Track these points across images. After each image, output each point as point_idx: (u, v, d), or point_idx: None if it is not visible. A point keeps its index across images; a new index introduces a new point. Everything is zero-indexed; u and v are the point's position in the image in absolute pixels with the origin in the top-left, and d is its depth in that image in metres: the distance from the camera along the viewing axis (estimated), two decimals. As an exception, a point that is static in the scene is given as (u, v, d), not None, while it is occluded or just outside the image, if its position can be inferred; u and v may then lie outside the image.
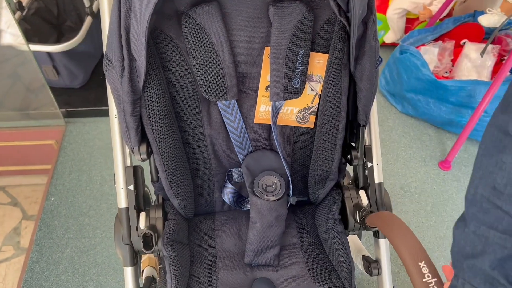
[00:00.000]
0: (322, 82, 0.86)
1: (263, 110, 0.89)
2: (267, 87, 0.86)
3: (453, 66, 2.03)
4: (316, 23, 0.80)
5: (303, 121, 0.91)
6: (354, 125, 0.92)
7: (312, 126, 0.92)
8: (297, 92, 0.84)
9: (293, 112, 0.90)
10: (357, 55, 0.80)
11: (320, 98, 0.87)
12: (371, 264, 0.92)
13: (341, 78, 0.83)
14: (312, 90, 0.87)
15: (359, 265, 1.00)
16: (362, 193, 0.93)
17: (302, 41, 0.78)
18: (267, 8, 0.78)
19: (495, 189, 0.52)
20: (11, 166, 2.11)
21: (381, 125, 2.06)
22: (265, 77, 0.85)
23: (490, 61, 1.89)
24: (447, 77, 2.01)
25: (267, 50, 0.82)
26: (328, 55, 0.82)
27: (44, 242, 1.62)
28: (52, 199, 1.76)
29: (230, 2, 0.76)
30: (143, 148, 0.83)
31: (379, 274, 0.92)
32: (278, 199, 0.92)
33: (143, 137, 0.83)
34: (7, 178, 2.13)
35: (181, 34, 0.78)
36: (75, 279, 1.52)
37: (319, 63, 0.84)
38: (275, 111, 0.88)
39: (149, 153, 0.85)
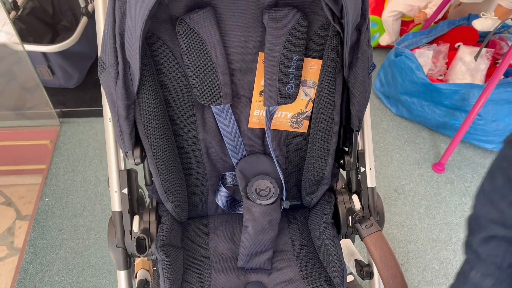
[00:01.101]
0: (315, 88, 0.86)
1: (257, 115, 0.89)
2: (261, 92, 0.86)
3: (447, 69, 2.05)
4: (310, 29, 0.80)
5: (297, 126, 0.92)
6: (348, 130, 0.92)
7: (306, 131, 0.92)
8: (291, 98, 0.84)
9: (287, 117, 0.90)
10: (351, 61, 0.81)
11: (313, 103, 0.88)
12: (363, 268, 0.93)
13: (334, 83, 0.83)
14: (305, 95, 0.87)
15: (351, 268, 1.00)
16: (355, 197, 0.94)
17: (296, 47, 0.79)
18: (262, 14, 0.78)
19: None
20: (6, 166, 2.10)
21: (375, 128, 2.07)
22: (259, 82, 0.85)
23: (484, 64, 1.91)
24: (441, 80, 2.02)
25: (261, 55, 0.82)
26: (321, 60, 0.83)
27: (38, 243, 1.61)
28: (46, 199, 1.76)
29: (224, 8, 0.77)
30: (137, 152, 0.84)
31: (371, 278, 0.92)
32: (272, 204, 0.92)
33: (137, 141, 0.84)
34: (2, 177, 2.12)
35: (176, 39, 0.78)
36: (68, 280, 1.52)
37: (313, 68, 0.84)
38: (269, 116, 0.88)
39: (143, 157, 0.85)
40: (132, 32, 0.69)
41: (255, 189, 0.93)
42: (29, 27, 2.05)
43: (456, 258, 1.61)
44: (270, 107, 0.87)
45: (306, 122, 0.91)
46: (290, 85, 0.82)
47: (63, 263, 1.56)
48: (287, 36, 0.78)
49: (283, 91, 0.83)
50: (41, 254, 1.58)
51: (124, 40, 0.72)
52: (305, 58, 0.82)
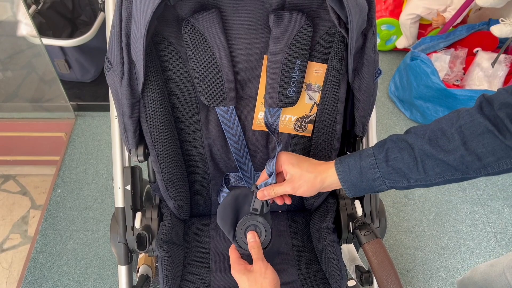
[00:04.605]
0: (320, 92, 0.86)
1: (261, 117, 0.90)
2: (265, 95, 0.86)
3: (464, 74, 2.01)
4: (316, 33, 0.80)
5: (301, 129, 0.92)
6: (352, 135, 0.92)
7: (310, 135, 0.92)
8: (291, 101, 0.84)
9: (291, 120, 0.90)
10: (356, 66, 0.80)
11: (318, 107, 0.88)
12: (363, 274, 0.92)
13: (338, 88, 0.83)
14: (310, 99, 0.87)
15: (352, 274, 1.00)
16: (357, 203, 0.93)
17: (299, 51, 0.79)
18: (268, 16, 0.78)
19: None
20: (22, 156, 2.15)
21: (388, 131, 2.04)
22: (263, 85, 0.85)
23: (502, 71, 1.87)
24: (457, 86, 1.99)
25: (266, 58, 0.82)
26: (327, 65, 0.83)
27: (49, 233, 1.65)
28: (59, 191, 1.79)
29: (230, 10, 0.77)
30: (140, 150, 0.85)
31: (370, 284, 0.92)
32: (265, 248, 0.78)
33: (141, 139, 0.85)
34: (18, 167, 2.18)
35: (182, 39, 0.78)
36: (76, 270, 1.55)
37: (318, 72, 0.84)
38: (275, 116, 0.88)
39: (146, 155, 0.87)
40: (137, 33, 0.70)
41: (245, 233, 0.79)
42: (49, 21, 2.09)
43: (464, 268, 1.58)
44: (271, 109, 0.86)
45: (310, 126, 0.91)
46: (291, 89, 0.82)
47: (72, 253, 1.60)
48: (291, 40, 0.77)
49: (284, 94, 0.83)
50: (51, 244, 1.62)
51: (130, 40, 0.73)
52: (310, 62, 0.82)
